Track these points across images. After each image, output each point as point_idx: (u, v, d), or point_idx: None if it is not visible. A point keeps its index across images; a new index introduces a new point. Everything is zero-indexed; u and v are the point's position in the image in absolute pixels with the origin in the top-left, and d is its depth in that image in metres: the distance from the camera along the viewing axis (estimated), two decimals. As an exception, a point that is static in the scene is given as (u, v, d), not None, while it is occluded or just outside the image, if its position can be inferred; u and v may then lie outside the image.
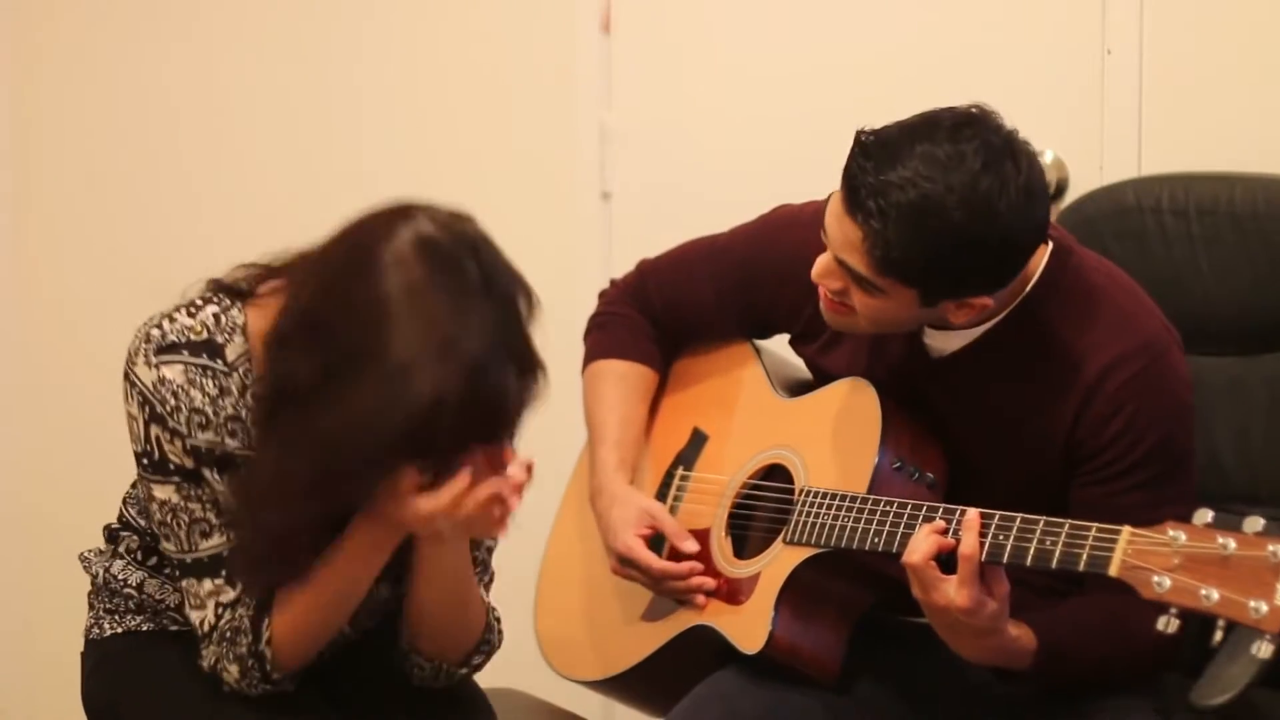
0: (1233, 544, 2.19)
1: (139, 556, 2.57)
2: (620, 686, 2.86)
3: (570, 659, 2.91)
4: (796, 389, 2.82)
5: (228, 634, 2.42)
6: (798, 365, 2.88)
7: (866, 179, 2.43)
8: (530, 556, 3.02)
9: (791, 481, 2.69)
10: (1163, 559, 2.23)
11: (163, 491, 2.41)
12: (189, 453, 2.39)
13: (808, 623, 2.61)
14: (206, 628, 2.43)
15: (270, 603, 2.41)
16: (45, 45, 3.88)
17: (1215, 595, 2.18)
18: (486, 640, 2.57)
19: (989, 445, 2.62)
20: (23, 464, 3.88)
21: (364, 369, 2.23)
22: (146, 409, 2.38)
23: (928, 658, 2.66)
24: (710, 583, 2.71)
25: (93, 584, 2.65)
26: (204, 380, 2.39)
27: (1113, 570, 2.29)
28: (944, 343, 2.62)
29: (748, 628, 2.63)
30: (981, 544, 2.38)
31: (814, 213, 2.75)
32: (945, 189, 2.40)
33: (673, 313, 2.91)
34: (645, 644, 2.78)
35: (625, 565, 2.77)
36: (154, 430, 2.39)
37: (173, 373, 2.39)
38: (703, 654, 2.69)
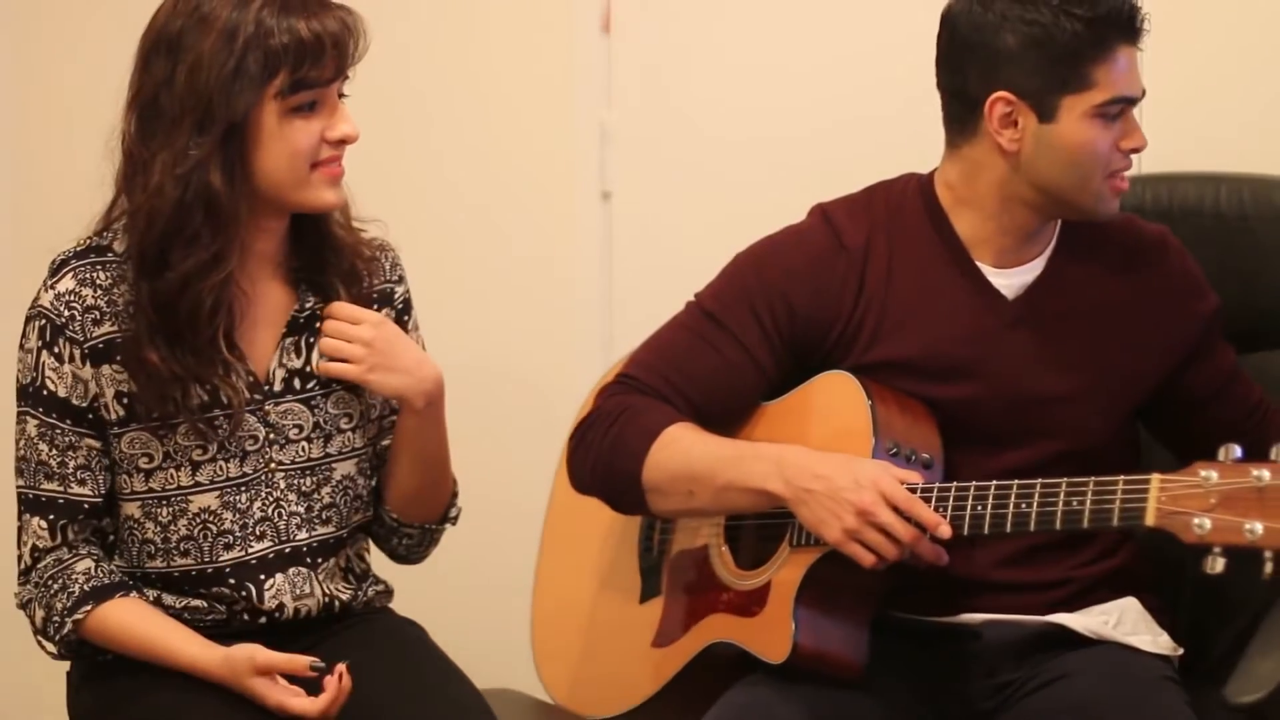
0: (1267, 474, 2.18)
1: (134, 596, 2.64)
2: (643, 718, 2.81)
3: (587, 699, 2.88)
4: (772, 392, 2.75)
5: (46, 582, 2.58)
6: None
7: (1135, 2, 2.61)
8: (531, 558, 3.01)
9: None
10: (1198, 500, 2.22)
11: (24, 424, 2.59)
12: (86, 357, 2.54)
13: (830, 623, 2.58)
14: (23, 566, 2.61)
15: (107, 594, 2.58)
16: (46, 44, 3.88)
17: (1259, 528, 2.17)
18: (454, 493, 2.79)
19: (1085, 372, 2.65)
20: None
21: (200, 34, 2.50)
22: (45, 335, 2.55)
23: (955, 655, 2.66)
24: (945, 557, 2.52)
25: None
26: (95, 274, 2.57)
27: (1149, 520, 2.27)
28: (1011, 281, 2.67)
29: (769, 638, 2.60)
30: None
31: (801, 230, 2.76)
32: None
33: (695, 392, 2.71)
34: (662, 671, 2.75)
35: (877, 504, 2.49)
36: (43, 357, 2.55)
37: (65, 284, 2.56)
38: (722, 672, 2.66)
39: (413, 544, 2.78)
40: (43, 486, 2.58)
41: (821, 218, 2.75)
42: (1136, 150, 2.63)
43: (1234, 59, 3.26)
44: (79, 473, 2.59)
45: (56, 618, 2.58)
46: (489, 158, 3.74)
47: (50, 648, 2.63)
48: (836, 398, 2.65)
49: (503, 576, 3.26)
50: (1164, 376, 2.69)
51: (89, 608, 2.57)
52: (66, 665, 2.72)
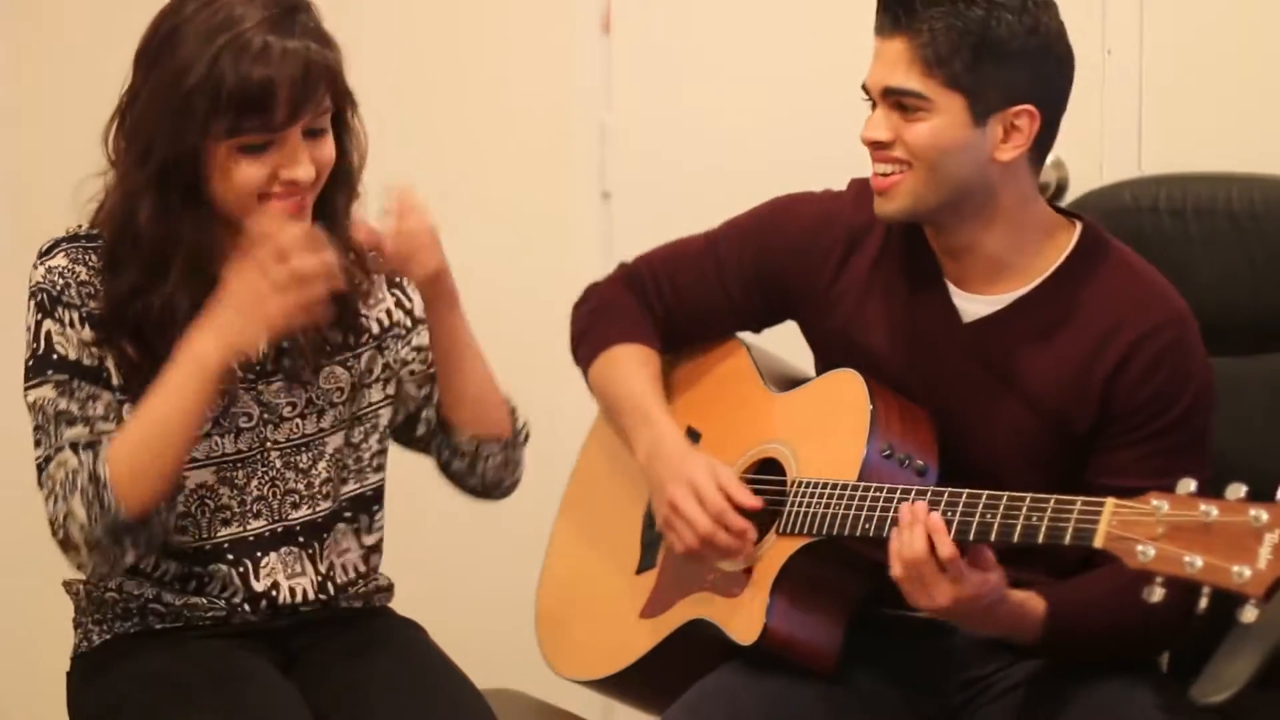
0: (1215, 511, 2.20)
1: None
2: (619, 685, 2.86)
3: (570, 659, 2.91)
4: (787, 384, 2.82)
5: (68, 477, 2.49)
6: (789, 361, 2.88)
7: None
8: (531, 558, 3.02)
9: (784, 474, 2.70)
10: (1147, 528, 2.25)
11: (38, 393, 2.53)
12: (85, 321, 2.54)
13: (804, 613, 2.62)
14: (47, 491, 2.51)
15: (109, 434, 2.52)
16: (47, 42, 3.89)
17: (1199, 562, 2.19)
18: (511, 405, 2.79)
19: (1016, 413, 2.63)
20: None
21: (163, 60, 2.50)
22: (42, 307, 2.54)
23: (927, 650, 2.68)
24: (750, 545, 2.65)
25: (76, 606, 2.70)
26: (87, 255, 2.57)
27: (1098, 541, 2.30)
28: (975, 307, 2.65)
29: (743, 620, 2.63)
30: (951, 524, 2.42)
31: (822, 196, 2.79)
32: None
33: (671, 300, 2.89)
34: (643, 641, 2.78)
35: (687, 496, 2.65)
36: (45, 326, 2.54)
37: (58, 260, 2.56)
38: (701, 650, 2.70)
39: (499, 464, 2.75)
40: (66, 434, 2.52)
41: (847, 190, 2.80)
42: (862, 140, 2.62)
43: (1248, 58, 3.25)
44: (104, 417, 2.54)
45: (90, 484, 2.48)
46: (489, 158, 3.75)
47: (114, 522, 2.49)
48: (841, 395, 2.67)
49: (503, 577, 3.26)
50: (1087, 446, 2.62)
51: (105, 444, 2.49)
52: (67, 665, 2.72)
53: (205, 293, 2.52)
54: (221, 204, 2.54)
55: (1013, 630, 2.53)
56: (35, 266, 2.58)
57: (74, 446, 2.51)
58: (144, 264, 2.53)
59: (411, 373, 2.75)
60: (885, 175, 2.60)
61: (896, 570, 2.45)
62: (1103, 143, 3.31)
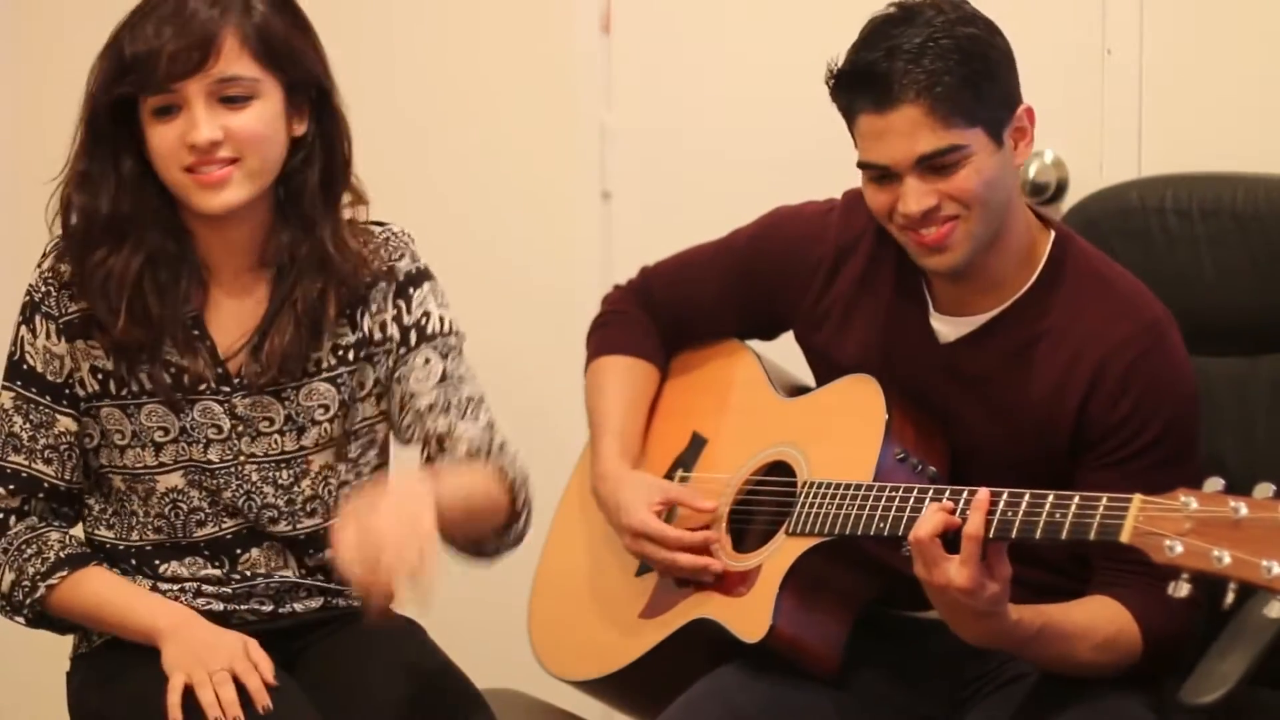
0: (1244, 508, 2.20)
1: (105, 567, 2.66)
2: (616, 686, 2.84)
3: (566, 660, 2.91)
4: (796, 390, 2.83)
5: (19, 547, 2.60)
6: (796, 371, 2.88)
7: (891, 65, 2.51)
8: (532, 558, 3.02)
9: (793, 477, 2.70)
10: (1174, 524, 2.24)
11: (6, 399, 2.63)
12: (61, 333, 2.59)
13: (810, 613, 2.62)
14: None
15: (82, 562, 2.61)
16: (50, 41, 3.89)
17: (1227, 557, 2.19)
18: (513, 483, 2.70)
19: (996, 432, 2.63)
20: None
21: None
22: (25, 311, 2.63)
23: (927, 652, 2.68)
24: (718, 564, 2.70)
25: None
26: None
27: (1124, 536, 2.29)
28: (951, 329, 2.66)
29: (749, 618, 2.63)
30: (988, 523, 2.38)
31: (814, 211, 2.78)
32: (942, 21, 2.52)
33: (675, 311, 2.93)
34: (643, 641, 2.78)
35: (639, 541, 2.76)
36: (22, 331, 2.62)
37: (48, 262, 2.63)
38: (702, 651, 2.69)
39: (496, 550, 2.74)
40: (9, 458, 2.62)
41: (839, 203, 2.79)
42: (905, 216, 2.54)
43: (1248, 58, 3.24)
44: (46, 451, 2.61)
45: (28, 582, 2.59)
46: (489, 158, 3.75)
47: (15, 616, 2.63)
48: (856, 399, 2.68)
49: (503, 577, 3.25)
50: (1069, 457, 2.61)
51: (64, 573, 2.59)
52: (67, 665, 2.72)
53: (164, 248, 2.57)
54: (163, 177, 2.57)
55: (997, 644, 2.50)
56: (37, 265, 2.63)
57: (11, 498, 2.61)
58: (100, 225, 2.57)
59: (399, 396, 2.70)
60: (932, 231, 2.56)
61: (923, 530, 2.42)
62: (1103, 143, 3.31)
